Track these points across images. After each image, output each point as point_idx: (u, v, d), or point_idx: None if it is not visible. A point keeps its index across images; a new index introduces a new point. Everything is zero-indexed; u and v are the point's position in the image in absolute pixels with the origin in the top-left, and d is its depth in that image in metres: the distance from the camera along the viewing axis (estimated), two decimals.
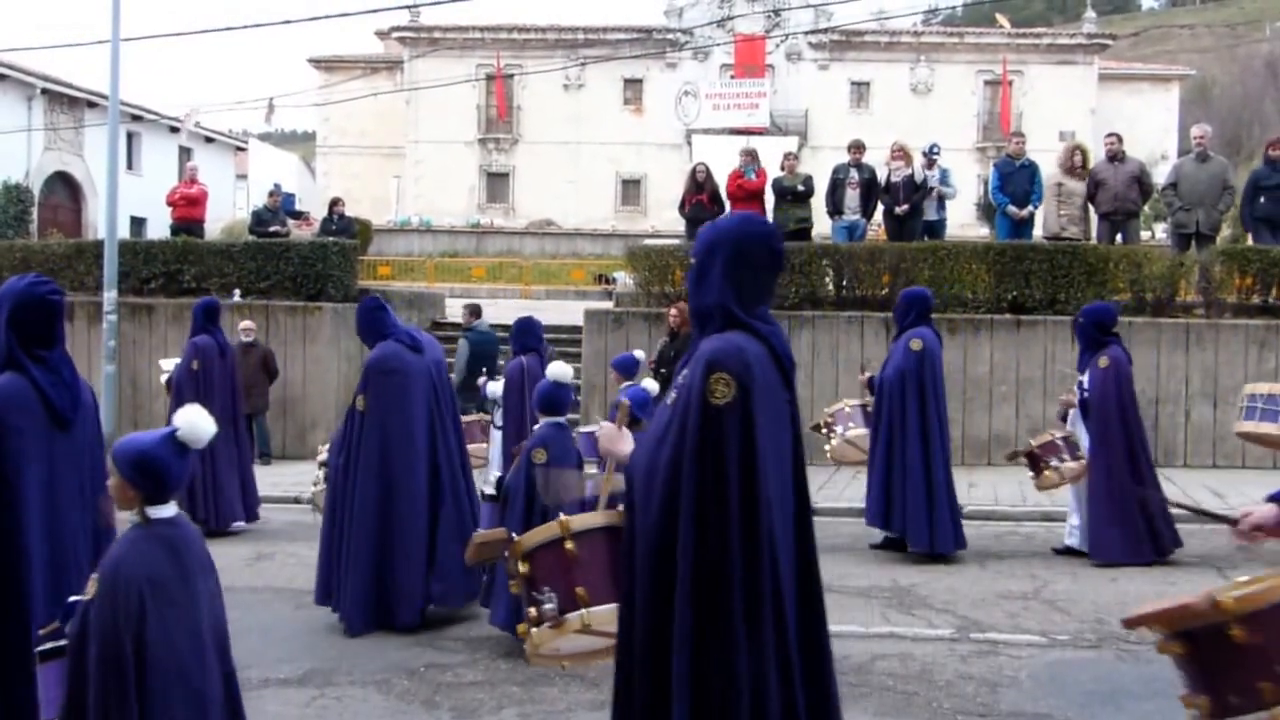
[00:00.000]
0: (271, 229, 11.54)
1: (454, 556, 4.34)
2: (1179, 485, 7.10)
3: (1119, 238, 9.30)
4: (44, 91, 21.00)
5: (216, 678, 2.14)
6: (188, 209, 11.60)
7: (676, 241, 11.38)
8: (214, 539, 6.31)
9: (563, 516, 2.16)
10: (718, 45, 28.55)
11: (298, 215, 14.34)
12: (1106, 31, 31.65)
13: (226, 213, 24.05)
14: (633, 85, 30.09)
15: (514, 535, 2.49)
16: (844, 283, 9.30)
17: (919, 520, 5.47)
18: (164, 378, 6.92)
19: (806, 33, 28.95)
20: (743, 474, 1.91)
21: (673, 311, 8.14)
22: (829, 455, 6.20)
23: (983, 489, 7.45)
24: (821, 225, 10.59)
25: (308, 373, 10.02)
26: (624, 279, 12.55)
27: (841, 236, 9.94)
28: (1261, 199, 9.02)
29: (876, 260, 9.22)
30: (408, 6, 26.72)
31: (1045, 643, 4.22)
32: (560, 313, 11.96)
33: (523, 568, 2.13)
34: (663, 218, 25.20)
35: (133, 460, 2.11)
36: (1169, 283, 8.85)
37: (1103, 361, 5.37)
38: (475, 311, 8.81)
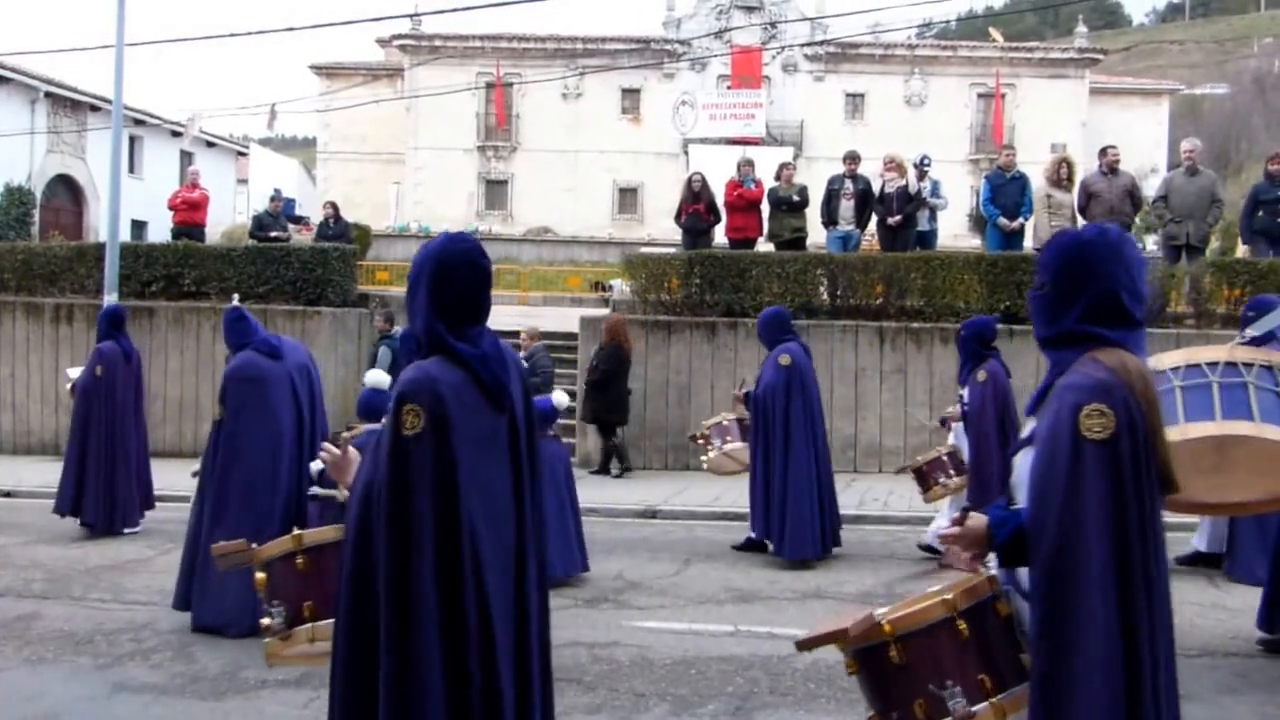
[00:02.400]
0: (272, 234, 11.65)
1: None
2: None
3: None
4: (47, 95, 21.09)
5: None
6: (189, 213, 11.70)
7: (673, 250, 11.52)
8: (108, 539, 6.37)
9: (296, 530, 2.20)
10: (715, 56, 28.78)
11: (298, 220, 14.46)
12: (1098, 46, 31.95)
13: (227, 217, 24.14)
14: (631, 95, 30.29)
15: (254, 545, 2.52)
16: (838, 292, 9.43)
17: (786, 526, 5.66)
18: (68, 385, 6.98)
19: (802, 45, 29.21)
20: (437, 502, 1.88)
21: (605, 323, 8.79)
22: (706, 466, 6.45)
23: None
24: (816, 235, 10.73)
25: None
26: (620, 286, 12.68)
27: (836, 246, 10.07)
28: (1260, 212, 9.20)
29: (870, 270, 9.36)
30: (409, 15, 26.99)
31: None
32: (557, 319, 12.07)
33: (260, 577, 2.18)
34: (659, 226, 25.34)
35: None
36: (1160, 294, 8.99)
37: (981, 376, 5.46)
38: (390, 318, 8.93)
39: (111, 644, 4.32)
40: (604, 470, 8.94)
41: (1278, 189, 9.11)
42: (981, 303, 9.02)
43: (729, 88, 28.39)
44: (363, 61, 33.69)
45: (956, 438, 5.77)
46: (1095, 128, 27.54)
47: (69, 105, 21.70)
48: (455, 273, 2.00)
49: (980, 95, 29.54)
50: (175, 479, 6.63)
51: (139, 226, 21.14)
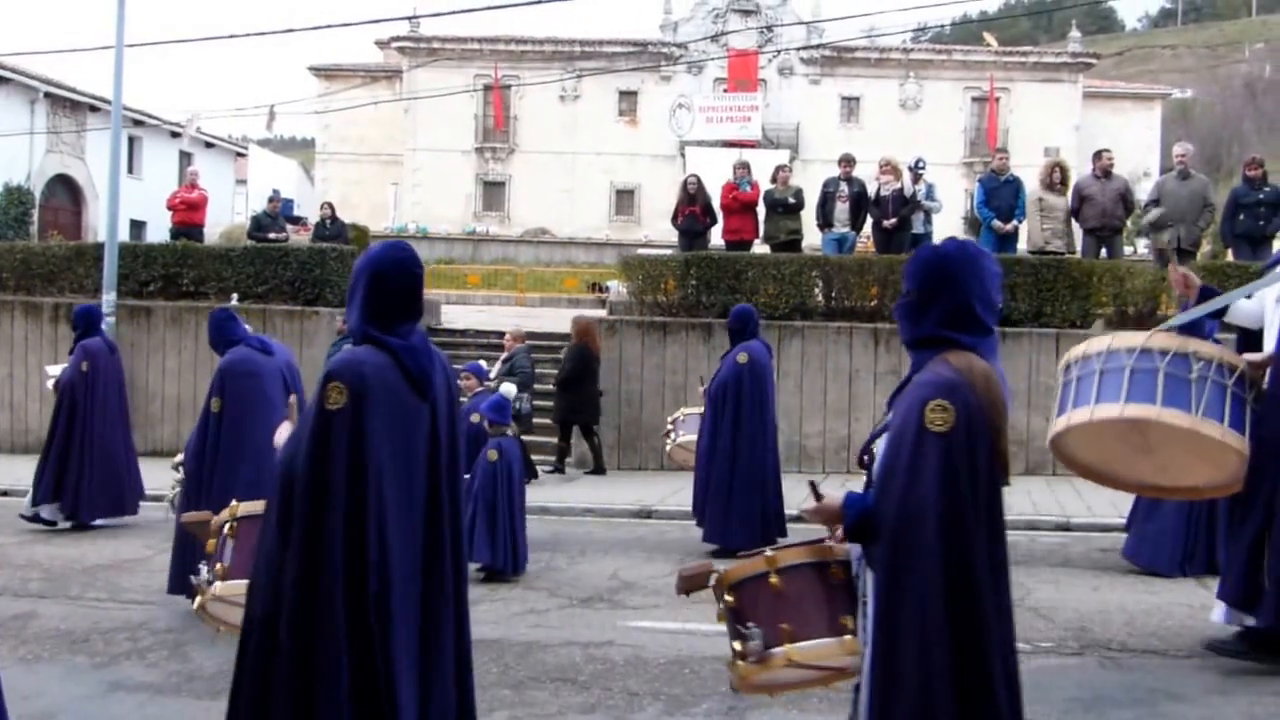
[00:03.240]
0: (270, 234, 11.66)
1: None
2: None
3: (1104, 252, 9.52)
4: (47, 95, 21.09)
5: None
6: (187, 213, 11.71)
7: (669, 251, 11.56)
8: (78, 535, 6.43)
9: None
10: (711, 60, 28.88)
11: (296, 221, 14.47)
12: (1091, 51, 32.14)
13: (226, 217, 24.15)
14: (628, 97, 30.36)
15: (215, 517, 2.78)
16: (833, 294, 9.48)
17: (715, 517, 5.82)
18: (50, 382, 7.04)
19: (798, 48, 29.31)
20: (350, 474, 2.06)
21: (573, 324, 9.01)
22: (668, 456, 6.76)
23: None
24: (812, 237, 10.78)
25: (304, 377, 10.11)
26: (617, 287, 12.72)
27: (831, 249, 10.12)
28: (1241, 216, 9.25)
29: (865, 272, 9.40)
30: (408, 18, 27.04)
31: (1029, 650, 4.22)
32: (554, 320, 12.09)
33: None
34: (656, 228, 25.40)
35: None
36: (1151, 297, 9.06)
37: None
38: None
39: (108, 643, 4.33)
40: (559, 470, 8.98)
41: (1257, 193, 9.17)
42: None
43: (725, 91, 28.47)
44: (361, 63, 33.71)
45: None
46: (1088, 131, 27.68)
47: (68, 105, 21.69)
48: (390, 278, 2.22)
49: (974, 99, 29.66)
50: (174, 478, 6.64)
51: (138, 226, 21.13)
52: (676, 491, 8.01)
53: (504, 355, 8.84)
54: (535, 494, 7.98)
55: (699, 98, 28.06)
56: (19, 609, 4.83)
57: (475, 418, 6.13)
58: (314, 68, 32.74)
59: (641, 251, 14.55)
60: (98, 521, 6.72)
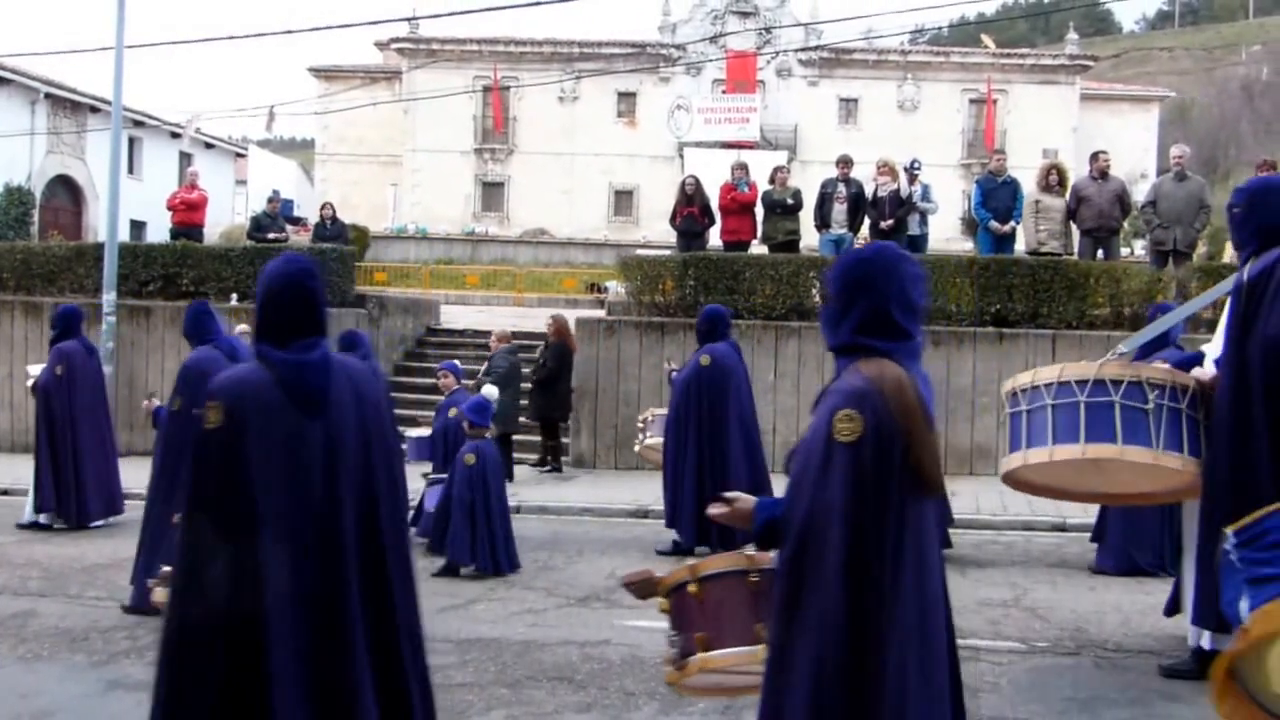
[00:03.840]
0: (270, 234, 11.68)
1: None
2: None
3: (1100, 253, 9.54)
4: (47, 96, 21.10)
5: None
6: (187, 213, 11.72)
7: (668, 252, 11.57)
8: (76, 533, 6.47)
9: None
10: (710, 61, 28.91)
11: (296, 221, 14.50)
12: (1088, 53, 32.18)
13: (225, 218, 24.16)
14: (626, 99, 30.39)
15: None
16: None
17: (685, 515, 5.87)
18: (29, 383, 7.05)
19: (797, 50, 29.35)
20: (225, 492, 2.08)
21: (548, 322, 9.00)
22: (639, 456, 6.81)
23: (964, 498, 7.59)
24: (810, 238, 10.80)
25: None
26: (616, 288, 12.74)
27: (829, 249, 10.14)
28: None
29: None
30: (407, 19, 27.06)
31: (1025, 650, 4.27)
32: None
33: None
34: (654, 228, 25.41)
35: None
36: (1147, 298, 9.08)
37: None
38: None
39: (107, 641, 4.34)
40: (557, 468, 9.02)
41: None
42: (972, 305, 9.10)
43: (724, 92, 28.49)
44: (361, 64, 33.73)
45: None
46: (1085, 133, 27.72)
47: (69, 106, 21.71)
48: (283, 292, 2.22)
49: (972, 101, 29.70)
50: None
51: (138, 227, 21.14)
52: None
53: (490, 355, 8.88)
54: (534, 493, 8.01)
55: (697, 99, 28.08)
56: (18, 608, 4.84)
57: (453, 412, 6.19)
58: (313, 69, 32.75)
59: (640, 252, 14.56)
60: (95, 523, 6.75)
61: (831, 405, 1.89)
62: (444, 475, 5.79)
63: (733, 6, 29.72)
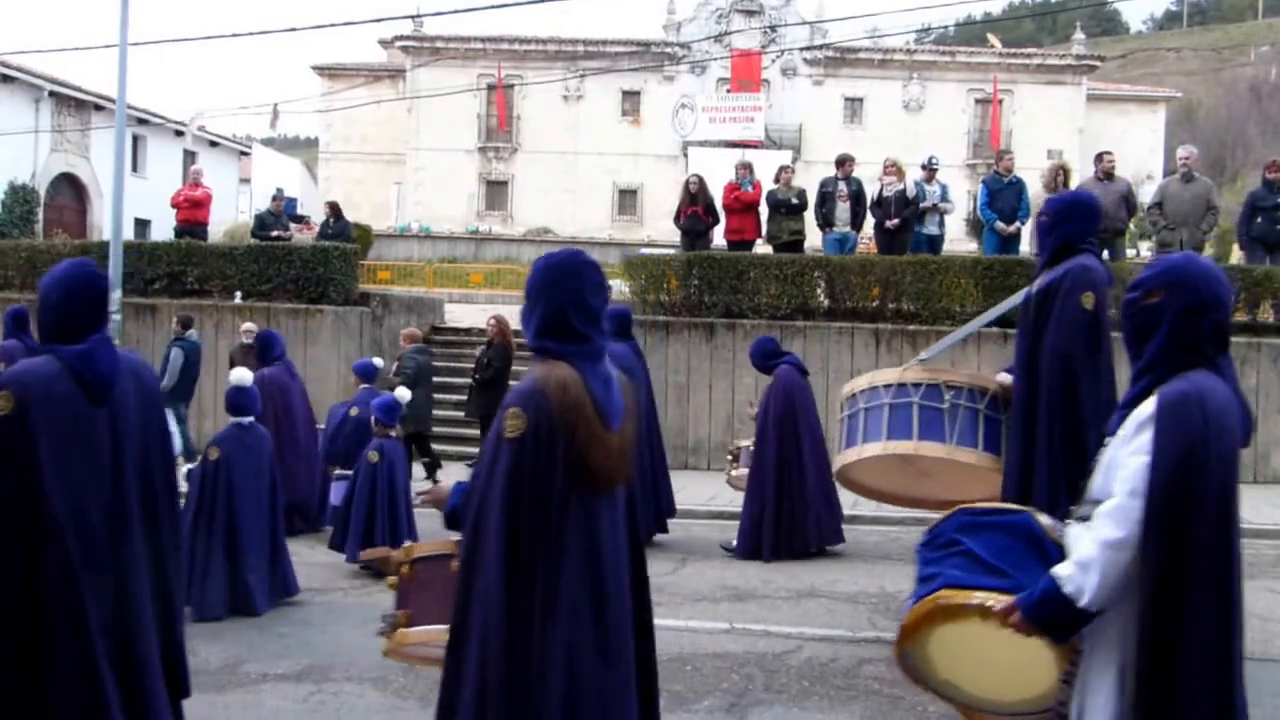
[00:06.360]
0: (274, 233, 11.70)
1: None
2: None
3: (1105, 254, 9.51)
4: (51, 94, 21.16)
5: None
6: (192, 211, 11.75)
7: (672, 251, 11.58)
8: None
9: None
10: (715, 60, 28.88)
11: (300, 219, 14.52)
12: (1095, 53, 32.05)
13: (229, 216, 24.19)
14: (631, 97, 30.37)
15: None
16: (835, 294, 9.50)
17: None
18: None
19: (802, 49, 29.31)
20: (15, 480, 2.24)
21: (490, 321, 8.99)
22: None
23: None
24: (815, 238, 10.79)
25: (307, 375, 10.10)
26: (619, 287, 12.71)
27: (833, 249, 10.13)
28: (1258, 219, 9.26)
29: (867, 273, 9.42)
30: (411, 17, 27.07)
31: None
32: None
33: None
34: (658, 227, 25.42)
35: None
36: None
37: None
38: (186, 323, 9.26)
39: None
40: None
41: (1276, 195, 9.16)
42: (977, 306, 9.09)
43: (728, 91, 28.48)
44: (365, 62, 33.75)
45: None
46: (1092, 134, 27.64)
47: (73, 104, 21.76)
48: (78, 293, 2.43)
49: (978, 101, 29.63)
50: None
51: (142, 225, 21.20)
52: (677, 491, 8.01)
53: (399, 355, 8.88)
54: None
55: (702, 98, 28.08)
56: None
57: (354, 411, 6.33)
58: (317, 67, 32.78)
59: (644, 251, 14.59)
60: None
61: (505, 403, 2.01)
62: (349, 472, 5.85)
63: (738, 5, 29.69)
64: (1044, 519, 2.08)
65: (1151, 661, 1.81)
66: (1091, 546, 1.87)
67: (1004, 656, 2.03)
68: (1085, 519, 1.99)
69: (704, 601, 5.09)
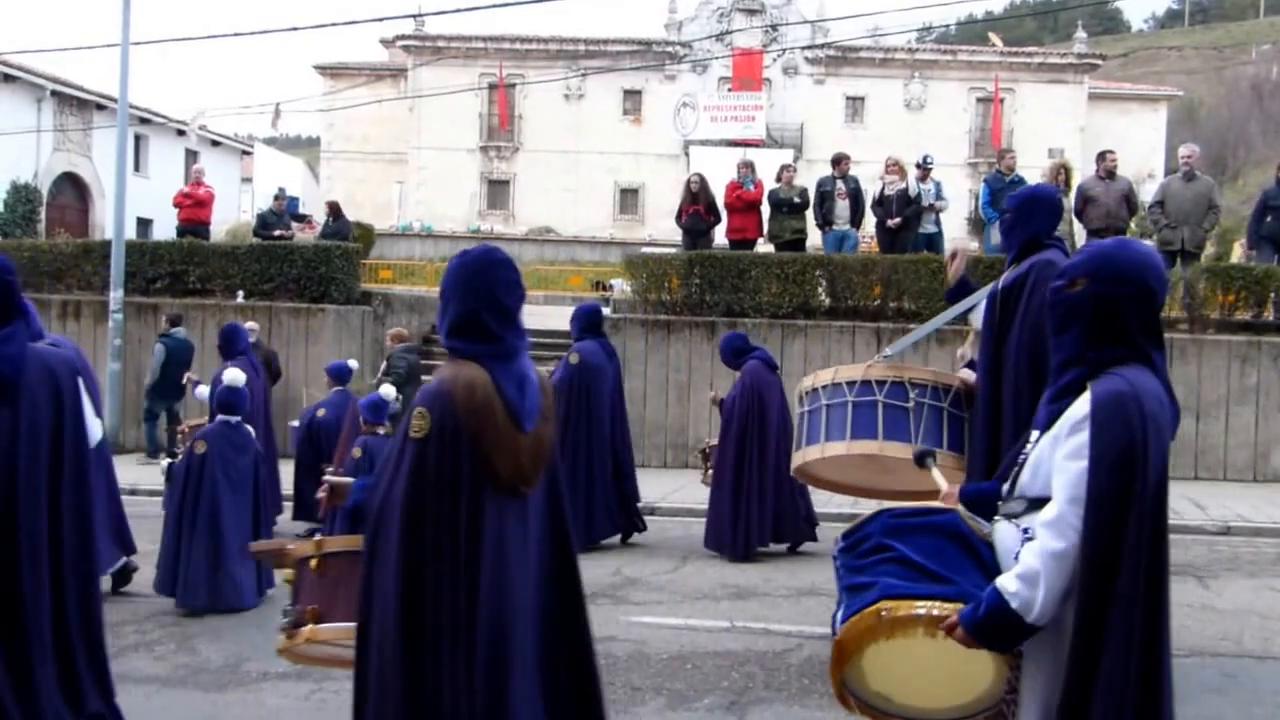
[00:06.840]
0: (276, 232, 11.71)
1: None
2: None
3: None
4: (53, 93, 21.19)
5: None
6: (194, 211, 11.77)
7: (673, 250, 11.58)
8: None
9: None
10: (716, 59, 28.86)
11: (302, 219, 14.52)
12: (1096, 52, 32.00)
13: (231, 215, 24.22)
14: (632, 96, 30.37)
15: None
16: (837, 293, 9.50)
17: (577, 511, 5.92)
18: None
19: (803, 48, 29.29)
20: None
21: None
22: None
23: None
24: (816, 237, 10.79)
25: (310, 374, 10.16)
26: (621, 286, 12.74)
27: (833, 247, 10.14)
28: (1269, 218, 9.24)
29: (869, 272, 9.42)
30: (413, 16, 27.08)
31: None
32: (558, 318, 12.11)
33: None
34: (660, 227, 25.41)
35: None
36: None
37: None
38: (174, 320, 9.31)
39: (116, 636, 4.36)
40: None
41: None
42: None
43: (730, 90, 28.48)
44: (366, 62, 33.77)
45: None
46: (1093, 132, 27.60)
47: (75, 104, 21.79)
48: None
49: (979, 99, 29.60)
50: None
51: (144, 224, 21.22)
52: (679, 489, 8.04)
53: (387, 355, 8.89)
54: None
55: (703, 97, 28.07)
56: None
57: (321, 413, 6.44)
58: (319, 66, 32.80)
59: (645, 250, 14.59)
60: None
61: (414, 403, 1.99)
62: (333, 471, 5.88)
63: (739, 4, 29.67)
64: (969, 517, 2.00)
65: (1083, 657, 1.78)
66: (1035, 558, 1.81)
67: (942, 663, 1.95)
68: (1012, 515, 1.93)
69: (704, 600, 5.10)
